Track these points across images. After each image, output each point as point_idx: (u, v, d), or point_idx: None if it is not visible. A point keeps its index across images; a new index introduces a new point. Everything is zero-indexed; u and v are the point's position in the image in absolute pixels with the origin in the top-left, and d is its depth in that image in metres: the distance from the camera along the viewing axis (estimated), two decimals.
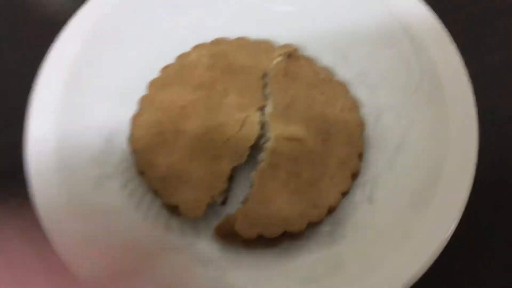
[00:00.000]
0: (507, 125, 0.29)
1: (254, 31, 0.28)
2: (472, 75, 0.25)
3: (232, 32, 0.28)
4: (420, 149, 0.25)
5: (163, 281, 0.22)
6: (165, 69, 0.27)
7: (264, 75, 0.27)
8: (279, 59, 0.27)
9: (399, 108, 0.26)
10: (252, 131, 0.25)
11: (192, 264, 0.23)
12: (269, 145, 0.25)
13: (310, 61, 0.28)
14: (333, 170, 0.25)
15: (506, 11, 0.33)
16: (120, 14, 0.27)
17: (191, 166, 0.24)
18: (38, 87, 0.25)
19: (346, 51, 0.28)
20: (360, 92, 0.27)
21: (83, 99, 0.26)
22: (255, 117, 0.26)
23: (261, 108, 0.26)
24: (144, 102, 0.26)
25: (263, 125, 0.26)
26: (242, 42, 0.28)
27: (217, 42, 0.28)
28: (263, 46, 0.28)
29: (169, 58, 0.27)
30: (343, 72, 0.28)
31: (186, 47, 0.28)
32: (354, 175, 0.25)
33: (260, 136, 0.26)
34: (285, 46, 0.28)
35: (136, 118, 0.26)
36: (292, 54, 0.28)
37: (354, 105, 0.27)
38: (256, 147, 0.25)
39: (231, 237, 0.24)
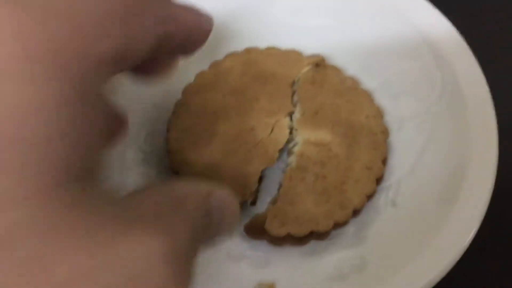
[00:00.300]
0: None
1: (283, 41, 0.30)
2: (492, 86, 0.26)
3: (262, 42, 0.30)
4: (441, 156, 0.26)
5: (196, 276, 0.24)
6: (199, 75, 0.29)
7: (293, 83, 0.28)
8: (307, 68, 0.29)
9: (421, 117, 0.27)
10: (281, 136, 0.27)
11: (224, 260, 0.25)
12: (297, 149, 0.27)
13: (336, 70, 0.29)
14: (358, 173, 0.26)
15: None
16: None
17: (224, 167, 0.26)
18: None
19: (370, 62, 0.29)
20: (383, 101, 0.28)
21: (123, 101, 0.27)
22: (284, 122, 0.27)
23: (290, 114, 0.28)
24: (180, 106, 0.28)
25: (291, 130, 0.27)
26: (272, 52, 0.30)
27: (248, 51, 0.30)
28: (292, 56, 0.29)
29: (203, 65, 0.29)
30: (368, 81, 0.29)
31: (219, 55, 0.29)
32: (378, 180, 0.26)
33: (289, 140, 0.27)
34: (313, 56, 0.29)
35: (172, 121, 0.27)
36: (319, 64, 0.29)
37: (378, 113, 0.28)
38: (284, 151, 0.27)
39: (260, 235, 0.25)
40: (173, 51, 0.17)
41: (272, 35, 0.30)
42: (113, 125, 0.16)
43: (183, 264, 0.12)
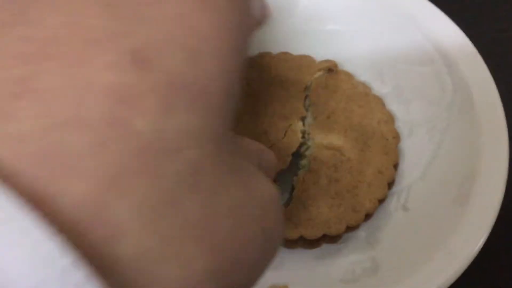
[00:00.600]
0: None
1: (295, 47, 0.30)
2: (502, 92, 0.26)
3: (274, 47, 0.30)
4: (452, 161, 0.26)
5: None
6: None
7: (306, 88, 0.29)
8: (320, 73, 0.29)
9: (432, 123, 0.28)
10: (294, 139, 0.27)
11: None
12: (309, 152, 0.27)
13: (348, 76, 0.29)
14: (370, 178, 0.26)
15: None
16: None
17: None
18: None
19: (382, 68, 0.30)
20: (394, 106, 0.29)
21: None
22: (297, 126, 0.27)
23: (303, 118, 0.28)
24: None
25: (304, 134, 0.28)
26: (284, 57, 0.30)
27: (262, 56, 0.30)
28: (305, 61, 0.30)
29: None
30: (379, 87, 0.29)
31: None
32: (390, 184, 0.27)
33: (301, 144, 0.27)
34: (326, 61, 0.30)
35: None
36: (332, 69, 0.29)
37: (390, 118, 0.28)
38: (297, 154, 0.27)
39: None
40: None
41: (284, 41, 0.30)
42: None
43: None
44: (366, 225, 0.26)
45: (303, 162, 0.27)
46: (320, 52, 0.30)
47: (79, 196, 0.09)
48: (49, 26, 0.10)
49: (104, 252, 0.09)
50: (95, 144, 0.09)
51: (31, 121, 0.09)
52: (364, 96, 0.29)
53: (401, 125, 0.28)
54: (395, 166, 0.27)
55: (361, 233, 0.26)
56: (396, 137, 0.28)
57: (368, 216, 0.26)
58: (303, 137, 0.27)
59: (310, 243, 0.25)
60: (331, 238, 0.25)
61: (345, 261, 0.25)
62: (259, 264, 0.13)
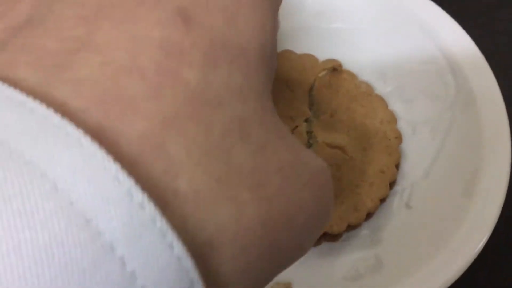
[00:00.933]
0: None
1: (298, 44, 0.30)
2: (504, 93, 0.27)
3: (279, 44, 0.30)
4: (455, 160, 0.26)
5: None
6: None
7: (310, 89, 0.29)
8: (323, 72, 0.29)
9: (435, 121, 0.28)
10: (300, 141, 0.27)
11: None
12: (312, 150, 0.27)
13: (351, 76, 0.30)
14: (372, 177, 0.26)
15: None
16: None
17: None
18: None
19: (385, 67, 0.30)
20: (397, 105, 0.29)
21: None
22: (303, 127, 0.28)
23: (307, 119, 0.28)
24: None
25: (307, 133, 0.28)
26: (287, 56, 0.30)
27: None
28: (308, 61, 0.30)
29: None
30: (382, 86, 0.30)
31: None
32: (391, 184, 0.27)
33: (306, 144, 0.27)
34: (330, 60, 0.30)
35: None
36: (336, 68, 0.29)
37: (392, 118, 0.28)
38: None
39: None
40: None
41: (289, 38, 0.30)
42: None
43: None
44: (369, 223, 0.26)
45: None
46: (323, 50, 0.30)
47: (140, 132, 0.10)
48: None
49: (162, 184, 0.10)
50: (151, 89, 0.10)
51: (90, 68, 0.10)
52: (367, 96, 0.29)
53: (404, 124, 0.28)
54: (397, 166, 0.27)
55: (364, 231, 0.26)
56: (398, 137, 0.28)
57: (369, 215, 0.26)
58: (307, 137, 0.27)
59: None
60: (332, 237, 0.25)
61: (349, 258, 0.25)
62: (308, 232, 0.13)
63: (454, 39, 0.28)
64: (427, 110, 0.28)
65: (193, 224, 0.10)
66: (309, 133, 0.28)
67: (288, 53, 0.30)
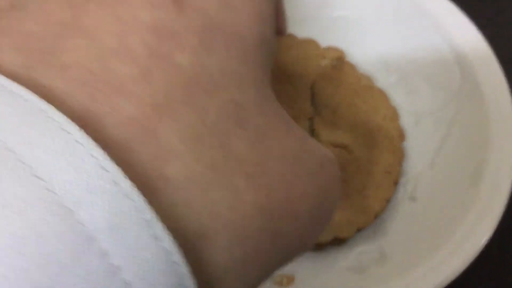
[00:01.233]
0: None
1: (302, 31, 0.29)
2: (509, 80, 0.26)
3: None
4: (461, 151, 0.26)
5: None
6: None
7: (312, 84, 0.27)
8: (325, 61, 0.28)
9: (440, 112, 0.27)
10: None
11: None
12: None
13: (353, 68, 0.28)
14: (378, 178, 0.26)
15: None
16: None
17: None
18: None
19: (388, 57, 0.29)
20: (400, 96, 0.28)
21: None
22: (306, 127, 0.26)
23: (310, 118, 0.27)
24: None
25: (310, 131, 0.26)
26: (288, 42, 0.28)
27: None
28: (309, 48, 0.28)
29: None
30: (385, 77, 0.29)
31: None
32: (395, 183, 0.26)
33: None
34: (333, 49, 0.28)
35: None
36: (338, 59, 0.28)
37: (394, 115, 0.28)
38: None
39: None
40: None
41: (290, 25, 0.30)
42: None
43: None
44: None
45: None
46: (327, 39, 0.29)
47: (128, 116, 0.09)
48: None
49: (152, 170, 0.09)
50: (141, 73, 0.10)
51: (76, 52, 0.10)
52: (368, 90, 0.28)
53: (408, 115, 0.28)
54: (400, 164, 0.27)
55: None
56: (401, 135, 0.27)
57: (376, 216, 0.25)
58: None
59: (317, 246, 0.25)
60: (340, 241, 0.25)
61: (353, 251, 0.25)
62: (312, 224, 0.13)
63: (460, 29, 0.27)
64: (432, 100, 0.28)
65: (184, 212, 0.10)
66: (312, 131, 0.26)
67: (289, 39, 0.28)
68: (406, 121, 0.28)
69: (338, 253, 0.25)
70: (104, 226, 0.08)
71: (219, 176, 0.10)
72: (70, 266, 0.08)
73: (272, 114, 0.12)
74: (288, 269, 0.24)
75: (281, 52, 0.28)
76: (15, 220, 0.08)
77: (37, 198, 0.08)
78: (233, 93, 0.11)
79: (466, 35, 0.27)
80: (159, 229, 0.09)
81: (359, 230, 0.25)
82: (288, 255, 0.12)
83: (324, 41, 0.29)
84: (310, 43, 0.28)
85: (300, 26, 0.29)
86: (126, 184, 0.09)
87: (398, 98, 0.28)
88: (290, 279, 0.24)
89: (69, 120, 0.09)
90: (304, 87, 0.27)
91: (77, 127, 0.09)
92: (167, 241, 0.09)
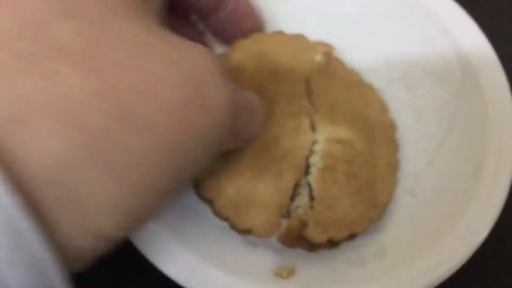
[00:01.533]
0: None
1: (290, 26, 0.28)
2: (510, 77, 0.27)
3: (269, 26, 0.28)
4: (461, 147, 0.27)
5: (215, 260, 0.24)
6: None
7: (307, 79, 0.27)
8: (318, 56, 0.27)
9: (440, 108, 0.28)
10: (305, 141, 0.25)
11: (243, 244, 0.25)
12: (319, 147, 0.25)
13: (340, 63, 0.28)
14: (382, 171, 0.26)
15: None
16: None
17: (258, 187, 0.24)
18: None
19: (389, 54, 0.29)
20: (401, 92, 0.29)
21: None
22: (306, 124, 0.25)
23: (309, 114, 0.26)
24: None
25: (311, 129, 0.26)
26: (279, 39, 0.27)
27: (256, 40, 0.27)
28: (300, 44, 0.27)
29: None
30: (386, 73, 0.29)
31: None
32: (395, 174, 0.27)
33: (312, 142, 0.25)
34: (323, 44, 0.28)
35: None
36: (328, 54, 0.28)
37: (384, 108, 0.28)
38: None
39: (297, 243, 0.24)
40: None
41: (292, 21, 0.29)
42: None
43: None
44: None
45: (314, 158, 0.25)
46: (329, 35, 0.28)
47: None
48: None
49: None
50: None
51: None
52: (359, 84, 0.28)
53: (409, 111, 0.28)
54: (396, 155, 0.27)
55: None
56: (393, 126, 0.27)
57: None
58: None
59: (333, 244, 0.25)
60: (351, 237, 0.25)
61: (353, 244, 0.25)
62: (188, 107, 0.13)
63: (462, 27, 0.28)
64: (433, 97, 0.28)
65: None
66: (313, 128, 0.26)
67: (279, 36, 0.27)
68: (407, 117, 0.28)
69: (338, 247, 0.25)
70: None
71: (29, 64, 0.10)
72: None
73: (123, 11, 0.12)
74: (289, 261, 0.24)
75: (273, 50, 0.27)
76: None
77: None
78: None
79: (468, 33, 0.28)
80: None
81: (370, 223, 0.25)
82: (166, 140, 0.13)
83: (327, 37, 0.28)
84: (299, 38, 0.28)
85: (303, 22, 0.29)
86: None
87: (400, 94, 0.28)
88: (290, 272, 0.24)
89: None
90: (299, 82, 0.26)
91: None
92: None
